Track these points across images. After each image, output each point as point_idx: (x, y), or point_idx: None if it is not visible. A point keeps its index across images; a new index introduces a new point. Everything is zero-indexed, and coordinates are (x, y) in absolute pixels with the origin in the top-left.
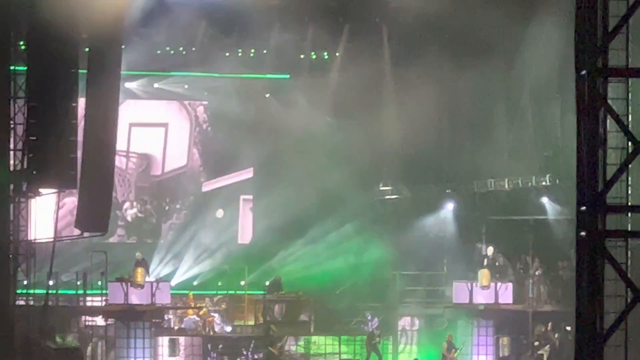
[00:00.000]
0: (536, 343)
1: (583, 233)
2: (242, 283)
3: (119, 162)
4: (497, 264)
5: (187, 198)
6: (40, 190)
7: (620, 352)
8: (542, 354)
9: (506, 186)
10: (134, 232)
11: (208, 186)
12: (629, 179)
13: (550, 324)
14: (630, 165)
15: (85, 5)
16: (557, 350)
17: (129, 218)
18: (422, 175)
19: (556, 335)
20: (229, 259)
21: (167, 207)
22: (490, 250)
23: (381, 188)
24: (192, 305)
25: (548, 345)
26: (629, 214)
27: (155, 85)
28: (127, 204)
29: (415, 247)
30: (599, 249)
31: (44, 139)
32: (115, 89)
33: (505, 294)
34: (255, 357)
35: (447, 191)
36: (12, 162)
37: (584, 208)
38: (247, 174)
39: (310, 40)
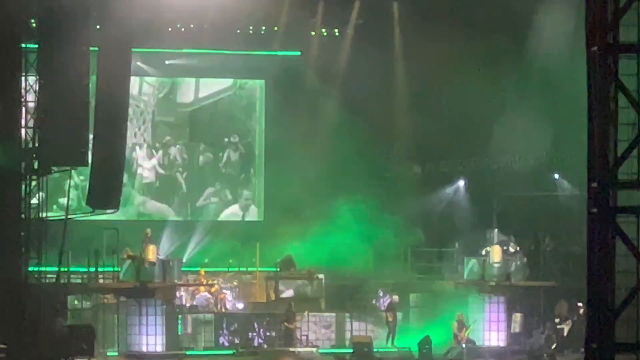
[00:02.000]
0: (557, 320)
1: (594, 209)
2: (254, 260)
3: None
4: (506, 247)
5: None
6: (52, 168)
7: (632, 328)
8: (563, 328)
9: (517, 162)
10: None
11: None
12: None
13: (577, 302)
14: None
15: None
16: (577, 326)
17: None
18: (434, 151)
19: (581, 311)
20: (240, 235)
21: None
22: (499, 236)
23: (393, 164)
24: (204, 283)
25: (570, 320)
26: None
27: (167, 62)
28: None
29: (427, 223)
30: (610, 225)
31: (56, 116)
32: (127, 67)
33: (517, 270)
34: (267, 334)
35: (459, 167)
36: (23, 139)
37: (595, 184)
38: None
39: (321, 17)
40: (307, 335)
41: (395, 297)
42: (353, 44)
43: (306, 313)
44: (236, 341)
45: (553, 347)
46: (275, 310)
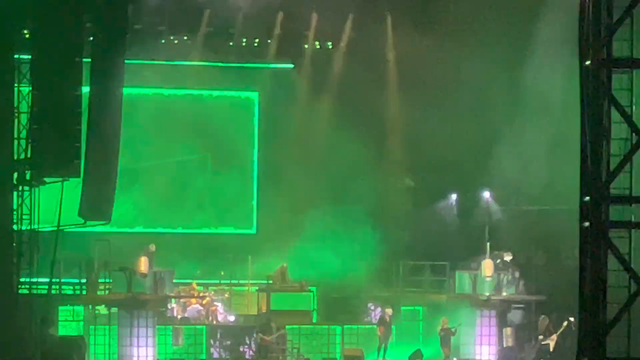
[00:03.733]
0: (540, 337)
1: (587, 224)
2: (246, 272)
3: None
4: (499, 260)
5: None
6: (44, 179)
7: (624, 343)
8: (548, 344)
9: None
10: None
11: None
12: (632, 170)
13: (554, 315)
14: (633, 156)
15: None
16: (563, 341)
17: None
18: (426, 164)
19: (565, 323)
20: (233, 248)
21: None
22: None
23: (386, 177)
24: (196, 295)
25: (555, 335)
26: (632, 205)
27: (160, 73)
28: None
29: (419, 236)
30: (603, 240)
31: (48, 127)
32: (120, 78)
33: (509, 284)
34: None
35: (451, 180)
36: (16, 150)
37: (587, 199)
38: None
39: (314, 30)
40: (298, 348)
41: (389, 311)
42: (346, 56)
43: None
44: (227, 353)
45: None
46: (264, 322)
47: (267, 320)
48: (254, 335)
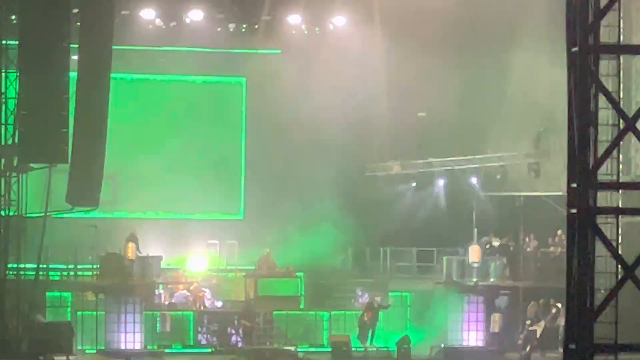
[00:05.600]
0: (528, 322)
1: (574, 210)
2: (234, 258)
3: None
4: (489, 244)
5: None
6: (32, 164)
7: (611, 329)
8: (535, 330)
9: (497, 162)
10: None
11: None
12: (620, 156)
13: (541, 301)
14: (621, 143)
15: None
16: (550, 327)
17: None
18: (413, 150)
19: (554, 311)
20: (221, 234)
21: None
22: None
23: (373, 164)
24: (183, 281)
25: (542, 321)
26: (620, 191)
27: (148, 59)
28: None
29: (406, 222)
30: (590, 226)
31: (36, 113)
32: (107, 64)
33: (496, 269)
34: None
35: (439, 167)
36: (3, 136)
37: (574, 185)
38: None
39: (301, 15)
40: (285, 334)
41: (378, 299)
42: (333, 42)
43: (267, 313)
44: (214, 339)
45: (527, 348)
46: (255, 309)
47: (247, 305)
48: (236, 322)
